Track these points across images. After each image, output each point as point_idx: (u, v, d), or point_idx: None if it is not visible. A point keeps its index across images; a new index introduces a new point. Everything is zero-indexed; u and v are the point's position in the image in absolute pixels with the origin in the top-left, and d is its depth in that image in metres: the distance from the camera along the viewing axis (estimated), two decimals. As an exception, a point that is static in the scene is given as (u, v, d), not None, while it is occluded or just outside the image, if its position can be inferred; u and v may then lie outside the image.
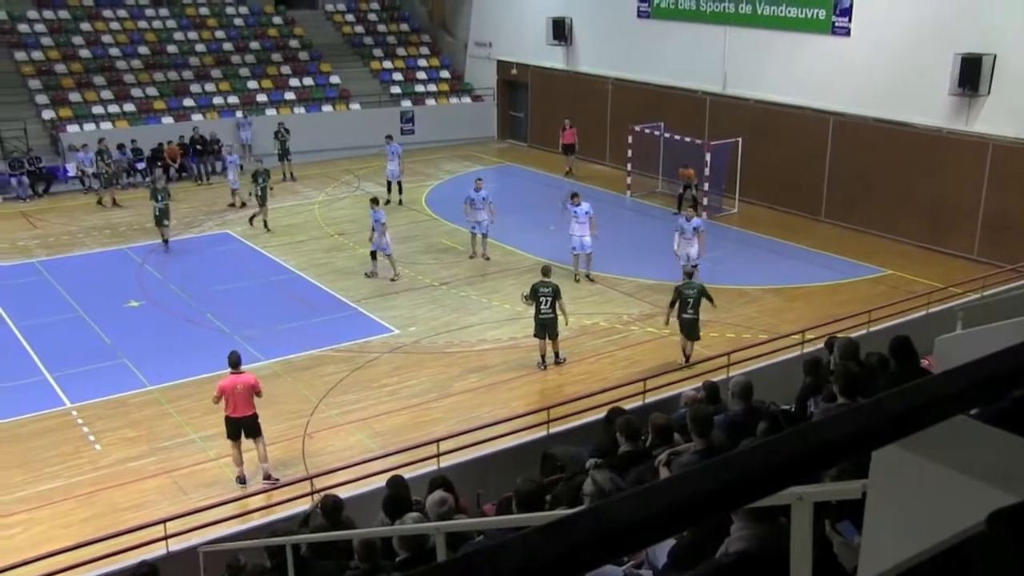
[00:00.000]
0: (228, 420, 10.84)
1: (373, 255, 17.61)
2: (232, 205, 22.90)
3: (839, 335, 9.78)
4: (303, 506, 8.22)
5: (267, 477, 10.89)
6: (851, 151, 20.71)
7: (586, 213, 17.05)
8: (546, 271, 13.99)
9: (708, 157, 21.56)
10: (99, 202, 23.36)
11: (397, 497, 6.80)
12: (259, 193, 20.61)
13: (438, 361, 14.14)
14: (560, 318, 13.68)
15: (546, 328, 13.69)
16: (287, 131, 25.61)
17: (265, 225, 20.77)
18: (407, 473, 8.22)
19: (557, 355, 13.95)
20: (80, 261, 19.17)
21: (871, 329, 12.10)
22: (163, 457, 11.59)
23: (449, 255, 19.35)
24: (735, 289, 17.26)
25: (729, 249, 20.33)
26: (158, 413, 12.60)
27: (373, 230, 17.53)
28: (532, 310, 13.85)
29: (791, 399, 8.37)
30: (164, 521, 8.27)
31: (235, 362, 10.98)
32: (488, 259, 18.75)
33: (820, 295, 16.94)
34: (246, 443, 10.99)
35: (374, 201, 17.95)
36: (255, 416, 10.91)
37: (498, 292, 17.21)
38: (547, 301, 13.57)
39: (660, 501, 0.99)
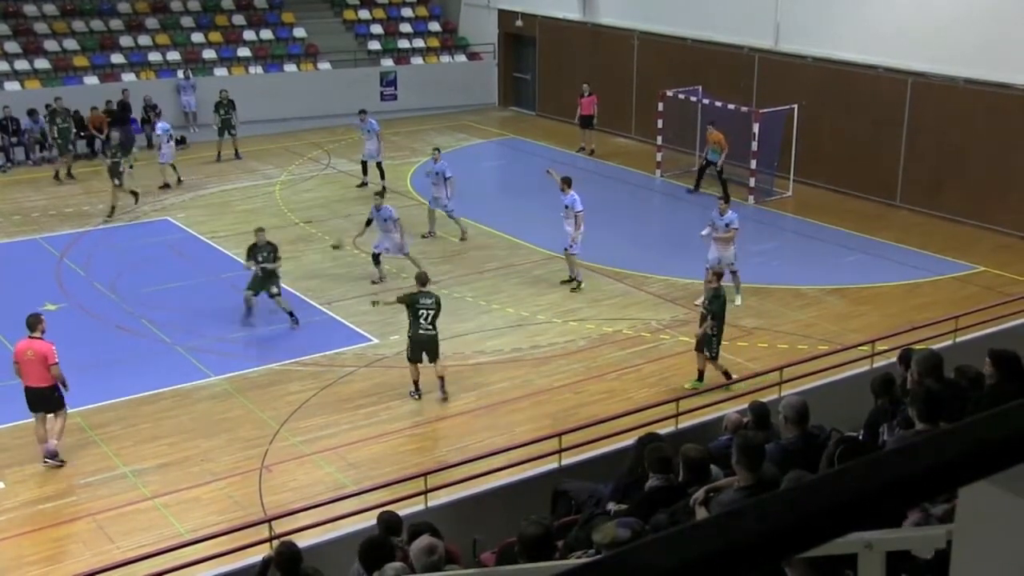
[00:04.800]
0: (25, 390, 11.98)
1: (377, 258, 17.46)
2: (166, 185, 22.93)
3: (917, 347, 9.78)
4: (259, 555, 8.23)
5: (51, 456, 11.94)
6: (935, 120, 20.70)
7: (727, 224, 16.26)
8: (422, 279, 13.76)
9: (756, 128, 21.57)
10: (58, 175, 23.58)
11: (378, 543, 6.80)
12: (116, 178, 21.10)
13: (425, 377, 14.16)
14: (440, 339, 13.57)
15: (425, 348, 13.41)
16: (232, 103, 25.39)
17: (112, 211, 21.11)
18: (386, 515, 8.22)
19: (443, 384, 13.56)
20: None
21: (958, 339, 12.09)
22: (84, 496, 11.57)
23: (439, 247, 19.40)
24: (789, 289, 17.27)
25: (783, 241, 20.35)
26: (79, 442, 12.61)
27: (371, 226, 17.43)
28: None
29: (857, 424, 8.37)
30: None
31: (32, 325, 12.05)
32: (463, 240, 19.49)
33: (894, 297, 16.94)
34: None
35: (379, 194, 17.88)
36: (52, 388, 11.96)
37: (499, 293, 17.25)
38: (428, 316, 13.33)
39: (696, 546, 0.99)
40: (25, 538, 10.82)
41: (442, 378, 13.56)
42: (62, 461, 12.04)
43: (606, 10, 27.70)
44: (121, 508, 11.29)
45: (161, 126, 23.38)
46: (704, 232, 16.31)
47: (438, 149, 20.22)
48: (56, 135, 23.93)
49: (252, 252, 15.97)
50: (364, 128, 22.77)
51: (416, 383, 13.52)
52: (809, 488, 1.12)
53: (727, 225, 16.04)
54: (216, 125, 25.35)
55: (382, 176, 22.84)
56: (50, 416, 12.13)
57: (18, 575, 10.16)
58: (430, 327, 13.40)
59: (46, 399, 12.02)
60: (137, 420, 13.12)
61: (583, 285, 17.29)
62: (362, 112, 23.15)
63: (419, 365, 13.50)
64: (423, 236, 19.67)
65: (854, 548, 1.89)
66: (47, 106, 24.45)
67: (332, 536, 8.80)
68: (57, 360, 11.95)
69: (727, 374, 13.54)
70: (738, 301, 16.30)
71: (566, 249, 17.25)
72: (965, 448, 1.14)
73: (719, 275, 13.74)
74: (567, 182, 17.26)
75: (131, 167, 21.39)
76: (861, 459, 1.17)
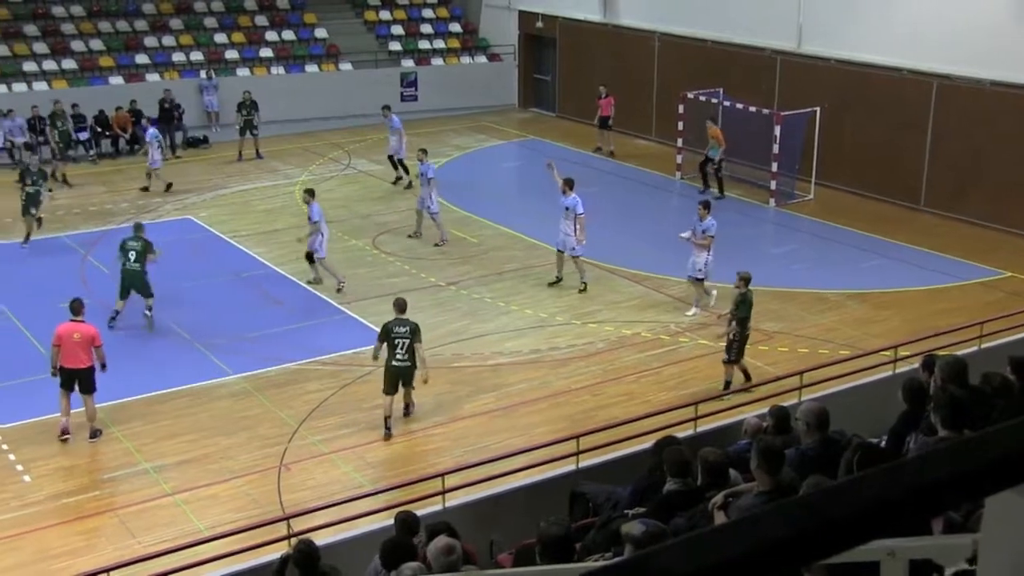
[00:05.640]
0: (61, 370, 12.46)
1: (310, 258, 17.29)
2: (146, 189, 22.88)
3: (941, 353, 9.69)
4: (277, 552, 8.25)
5: (94, 434, 12.62)
6: (960, 123, 20.54)
7: (704, 231, 15.87)
8: (400, 306, 12.88)
9: (778, 131, 21.47)
10: (63, 180, 23.39)
11: (400, 543, 6.82)
12: (24, 199, 19.44)
13: (443, 377, 14.17)
14: (419, 369, 12.73)
15: (399, 379, 12.70)
16: (254, 104, 25.41)
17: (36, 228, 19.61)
18: (404, 515, 8.22)
19: (408, 408, 13.09)
20: (8, 251, 19.34)
21: (983, 346, 11.99)
22: (107, 491, 11.67)
23: (459, 249, 19.41)
24: (810, 293, 17.17)
25: (803, 244, 20.25)
26: (102, 438, 12.70)
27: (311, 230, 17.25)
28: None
29: (879, 430, 8.30)
30: (107, 570, 8.32)
31: (76, 309, 12.74)
32: (438, 244, 19.31)
33: (917, 302, 16.81)
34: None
35: (309, 192, 17.59)
36: (91, 369, 12.52)
37: (518, 294, 17.24)
38: (403, 344, 12.56)
39: (715, 551, 0.97)
40: (49, 531, 10.91)
41: (407, 405, 13.02)
42: (100, 431, 12.72)
43: (627, 11, 27.64)
44: (142, 504, 11.36)
45: (151, 132, 23.20)
46: (685, 235, 16.18)
47: (424, 150, 20.14)
48: (56, 138, 23.95)
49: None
50: (387, 123, 23.07)
51: (388, 419, 12.67)
52: (830, 494, 1.11)
53: (704, 232, 15.84)
54: (238, 125, 25.48)
55: (406, 171, 22.99)
56: (79, 408, 12.60)
57: (42, 568, 10.24)
58: (404, 357, 12.57)
59: (84, 379, 12.52)
60: (158, 417, 13.19)
61: (561, 281, 17.36)
62: (385, 108, 23.49)
63: (392, 399, 12.69)
64: (409, 236, 19.76)
65: (876, 556, 1.87)
66: (36, 113, 24.47)
67: (350, 535, 8.81)
68: (101, 342, 12.60)
69: (747, 374, 13.51)
70: (691, 312, 16.09)
71: (562, 251, 17.16)
72: (991, 457, 1.12)
73: (746, 279, 13.59)
74: (569, 184, 17.12)
75: (50, 190, 20.30)
76: (884, 466, 1.15)
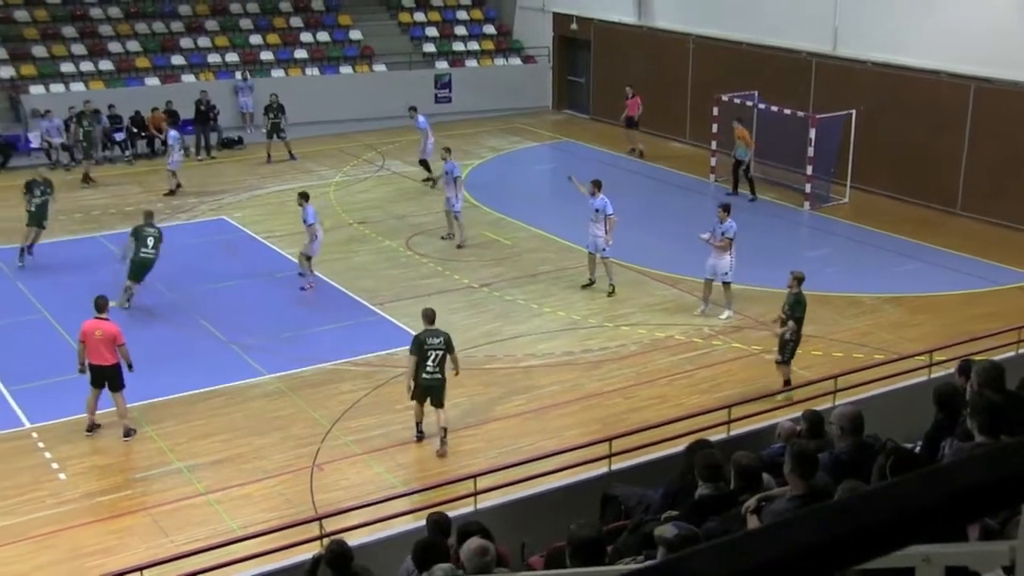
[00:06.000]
0: (90, 367, 12.71)
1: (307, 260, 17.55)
2: (179, 186, 23.10)
3: (977, 357, 9.58)
4: (310, 552, 8.30)
5: (127, 433, 12.74)
6: (998, 125, 20.30)
7: (722, 233, 15.87)
8: (430, 316, 12.53)
9: (813, 134, 21.32)
10: (85, 178, 23.71)
11: (433, 545, 6.84)
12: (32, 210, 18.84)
13: (476, 379, 14.19)
14: (449, 375, 12.44)
15: (430, 393, 12.34)
16: (281, 107, 25.50)
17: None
18: (435, 516, 8.23)
19: (444, 436, 12.37)
20: (44, 251, 19.57)
21: (1020, 351, 11.84)
22: (141, 490, 11.80)
23: (492, 251, 19.44)
24: (845, 297, 17.04)
25: (837, 247, 20.09)
26: (136, 436, 12.84)
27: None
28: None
29: (912, 435, 8.22)
30: (140, 568, 8.40)
31: (100, 307, 12.93)
32: (460, 247, 19.29)
33: (953, 307, 16.64)
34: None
35: (303, 196, 17.64)
36: (116, 367, 12.69)
37: (551, 296, 17.24)
38: (436, 357, 12.18)
39: (748, 556, 0.98)
40: (83, 529, 11.04)
41: (444, 429, 12.35)
42: (134, 430, 12.81)
43: (661, 14, 27.57)
44: (175, 503, 11.47)
45: (172, 135, 23.38)
46: (704, 236, 16.11)
47: (448, 148, 20.24)
48: (81, 137, 24.18)
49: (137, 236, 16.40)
50: (414, 124, 23.41)
51: (419, 424, 12.59)
52: (864, 499, 1.11)
53: (722, 233, 15.77)
54: (265, 128, 25.70)
55: (429, 171, 23.09)
56: (110, 408, 12.76)
57: (75, 566, 10.37)
58: (436, 370, 12.20)
59: (110, 376, 12.71)
60: (191, 417, 13.32)
61: (594, 283, 17.40)
62: (412, 108, 23.75)
63: (424, 406, 12.46)
64: (442, 238, 19.80)
65: (910, 561, 1.86)
66: (72, 113, 24.64)
67: (382, 535, 8.85)
68: (124, 341, 12.71)
69: (787, 381, 13.42)
70: (725, 315, 16.07)
71: (594, 252, 17.14)
72: (1028, 462, 1.11)
73: (800, 279, 13.50)
74: (597, 185, 17.05)
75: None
76: (920, 470, 1.15)
